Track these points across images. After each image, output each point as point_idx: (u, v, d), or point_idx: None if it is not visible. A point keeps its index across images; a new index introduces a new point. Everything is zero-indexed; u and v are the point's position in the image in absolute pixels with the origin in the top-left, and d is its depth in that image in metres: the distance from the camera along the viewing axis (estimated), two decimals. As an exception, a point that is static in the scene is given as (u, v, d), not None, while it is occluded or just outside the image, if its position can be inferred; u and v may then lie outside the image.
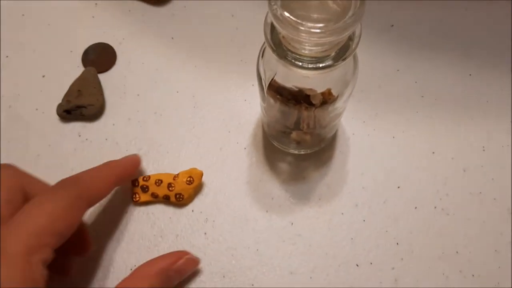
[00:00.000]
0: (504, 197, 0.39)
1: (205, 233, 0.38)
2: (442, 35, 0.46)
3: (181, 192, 0.38)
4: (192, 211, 0.39)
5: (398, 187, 0.39)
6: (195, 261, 0.36)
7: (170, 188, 0.38)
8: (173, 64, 0.45)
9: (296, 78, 0.32)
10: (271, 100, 0.36)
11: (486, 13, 0.47)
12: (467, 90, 0.43)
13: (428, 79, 0.44)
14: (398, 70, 0.44)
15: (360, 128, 0.42)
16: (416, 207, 0.39)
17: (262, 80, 0.34)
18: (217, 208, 0.39)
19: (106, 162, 0.36)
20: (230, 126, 0.42)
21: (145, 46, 0.46)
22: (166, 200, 0.38)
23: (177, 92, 0.44)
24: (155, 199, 0.39)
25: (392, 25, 0.46)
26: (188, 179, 0.38)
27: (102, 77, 0.45)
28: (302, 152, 0.41)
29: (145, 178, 0.39)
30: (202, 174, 0.39)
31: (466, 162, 0.40)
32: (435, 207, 0.39)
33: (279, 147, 0.41)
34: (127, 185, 0.39)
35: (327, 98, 0.35)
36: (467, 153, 0.41)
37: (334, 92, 0.34)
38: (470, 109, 0.42)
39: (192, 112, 0.43)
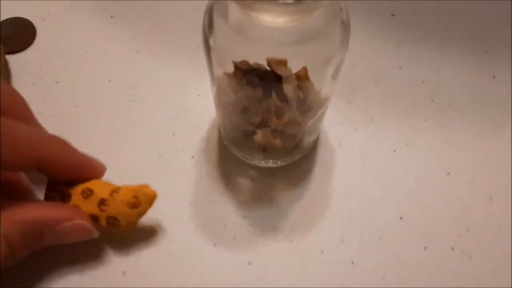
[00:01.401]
0: (547, 237, 0.28)
1: (124, 273, 0.26)
2: (455, 27, 0.36)
3: (116, 216, 0.25)
4: (109, 240, 0.27)
5: (401, 218, 0.28)
6: (86, 232, 0.25)
7: (102, 207, 0.25)
8: (109, 48, 0.35)
9: (256, 34, 0.22)
10: (224, 81, 0.25)
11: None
12: (490, 95, 0.33)
13: (440, 79, 0.33)
14: (400, 67, 0.34)
15: (350, 137, 0.31)
16: (426, 247, 0.27)
17: (210, 48, 0.23)
18: (146, 238, 0.27)
19: (55, 138, 0.25)
20: (176, 127, 0.31)
21: (75, 25, 0.36)
22: (93, 221, 0.26)
23: (110, 81, 0.33)
24: None
25: (393, 14, 0.36)
26: (132, 200, 0.25)
27: (13, 58, 0.34)
28: (271, 164, 0.30)
29: (70, 183, 0.26)
30: (155, 197, 0.26)
31: (492, 187, 0.29)
32: (452, 248, 0.27)
33: (239, 156, 0.30)
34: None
35: (304, 84, 0.25)
36: (493, 174, 0.30)
37: (311, 73, 0.24)
38: (495, 118, 0.32)
39: (127, 107, 0.32)
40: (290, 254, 0.27)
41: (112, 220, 0.25)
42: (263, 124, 0.26)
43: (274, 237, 0.28)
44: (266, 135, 0.27)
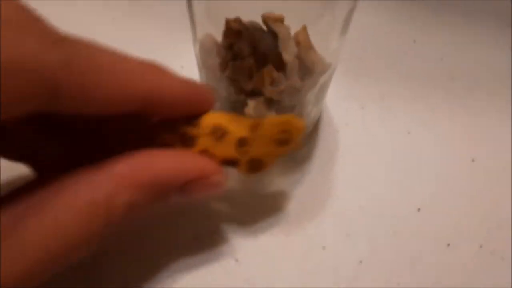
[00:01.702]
0: None
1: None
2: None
3: (261, 158, 0.19)
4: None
5: (418, 210, 0.24)
6: (219, 188, 0.19)
7: (243, 148, 0.19)
8: (80, 16, 0.30)
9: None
10: (210, 42, 0.21)
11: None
12: (519, 73, 0.29)
13: (461, 55, 0.29)
14: (414, 41, 0.30)
15: (357, 116, 0.27)
16: (448, 244, 0.23)
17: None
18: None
19: (153, 64, 0.18)
20: (154, 102, 0.27)
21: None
22: (225, 165, 0.19)
23: (80, 50, 0.29)
24: None
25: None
26: (281, 136, 0.19)
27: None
28: (263, 145, 0.25)
29: (192, 121, 0.19)
30: (303, 130, 0.19)
31: (526, 177, 0.25)
32: (481, 246, 0.23)
33: (226, 135, 0.25)
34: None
35: (303, 46, 0.21)
36: (526, 162, 0.26)
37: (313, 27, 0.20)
38: (526, 99, 0.28)
39: (98, 79, 0.28)
40: (285, 250, 0.22)
41: (255, 164, 0.19)
42: (255, 93, 0.22)
43: (267, 230, 0.23)
44: (259, 106, 0.23)
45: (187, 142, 0.19)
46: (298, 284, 0.22)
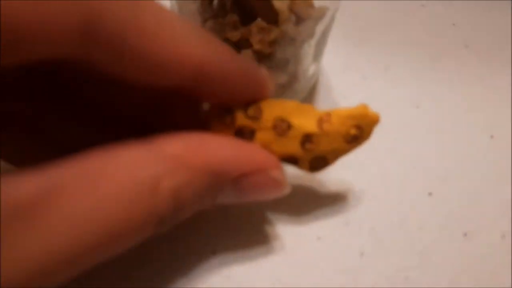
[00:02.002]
0: None
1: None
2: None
3: (326, 156, 0.17)
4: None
5: (430, 194, 0.21)
6: (278, 189, 0.17)
7: (308, 146, 0.17)
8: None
9: None
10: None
11: None
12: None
13: (476, 20, 0.26)
14: (422, 6, 0.26)
15: (358, 87, 0.23)
16: (465, 234, 0.20)
17: None
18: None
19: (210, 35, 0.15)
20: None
21: None
22: (284, 162, 0.17)
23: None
24: None
25: None
26: (353, 132, 0.17)
27: None
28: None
29: (250, 111, 0.16)
30: (377, 123, 0.17)
31: (553, 155, 0.22)
32: (503, 236, 0.20)
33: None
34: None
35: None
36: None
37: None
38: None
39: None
40: (272, 241, 0.19)
41: (318, 161, 0.17)
42: (242, 44, 0.18)
43: (251, 217, 0.20)
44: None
45: (244, 136, 0.17)
46: (286, 281, 0.18)
